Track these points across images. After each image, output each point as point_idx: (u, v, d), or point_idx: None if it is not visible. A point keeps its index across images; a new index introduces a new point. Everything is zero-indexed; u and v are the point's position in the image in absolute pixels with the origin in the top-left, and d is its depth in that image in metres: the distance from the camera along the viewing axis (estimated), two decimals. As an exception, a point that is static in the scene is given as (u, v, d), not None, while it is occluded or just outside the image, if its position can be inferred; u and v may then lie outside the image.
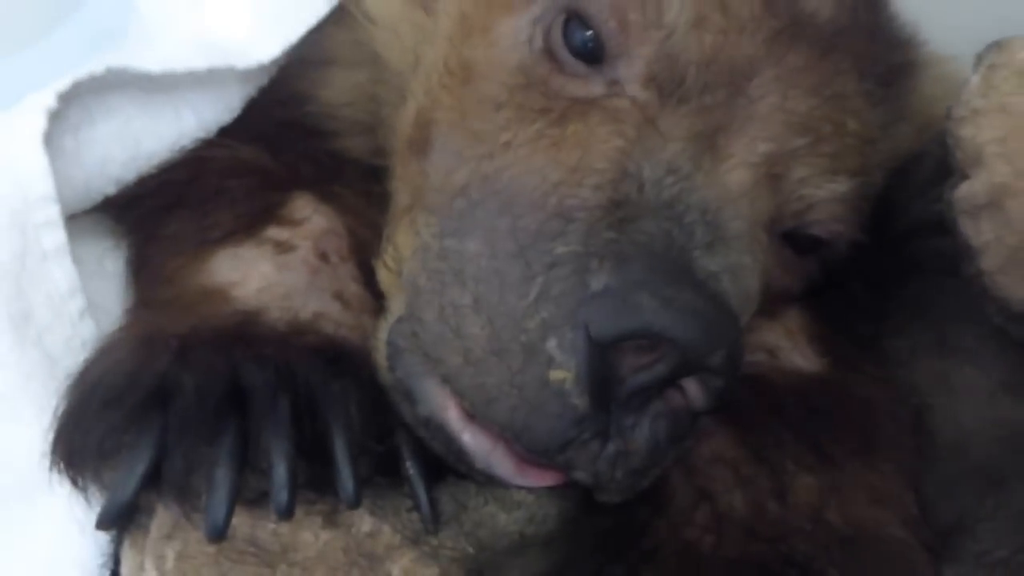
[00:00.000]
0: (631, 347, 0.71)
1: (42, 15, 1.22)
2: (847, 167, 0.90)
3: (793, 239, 0.92)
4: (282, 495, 0.71)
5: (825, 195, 0.89)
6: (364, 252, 0.91)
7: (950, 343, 0.92)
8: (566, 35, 0.86)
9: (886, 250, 0.97)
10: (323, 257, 0.90)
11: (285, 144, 1.02)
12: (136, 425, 0.72)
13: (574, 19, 0.86)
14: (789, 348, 0.93)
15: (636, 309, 0.70)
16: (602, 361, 0.70)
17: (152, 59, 0.95)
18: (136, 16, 1.13)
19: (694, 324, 0.70)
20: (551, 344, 0.71)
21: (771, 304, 0.93)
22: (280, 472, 0.71)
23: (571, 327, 0.71)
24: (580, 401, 0.71)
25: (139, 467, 0.71)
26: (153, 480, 0.71)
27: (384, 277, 0.87)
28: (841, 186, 0.90)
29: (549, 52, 0.86)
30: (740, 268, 0.81)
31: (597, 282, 0.72)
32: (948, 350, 0.92)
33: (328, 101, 1.04)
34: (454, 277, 0.77)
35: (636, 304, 0.70)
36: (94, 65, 0.90)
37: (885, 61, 0.94)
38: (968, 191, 0.82)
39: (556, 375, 0.71)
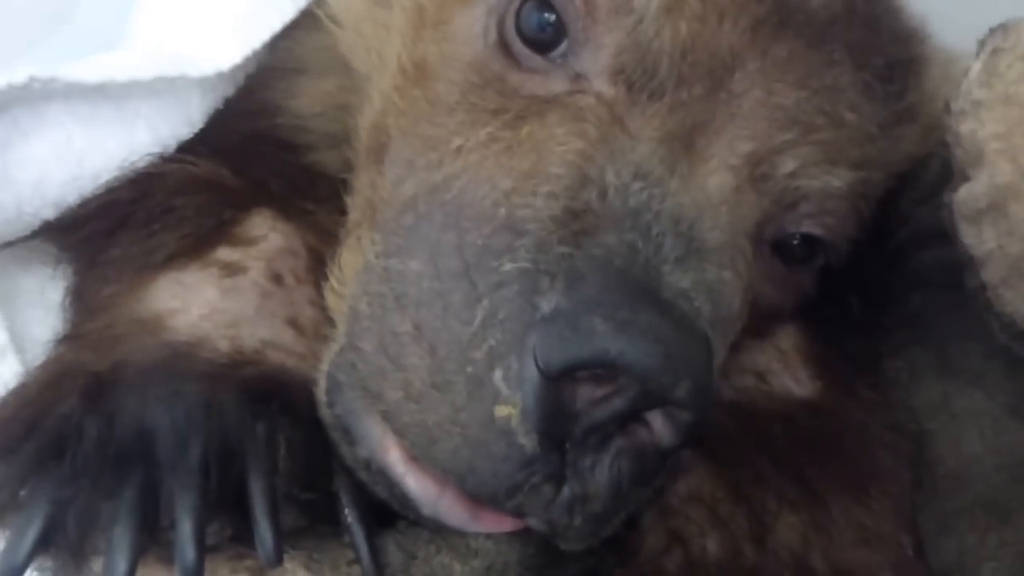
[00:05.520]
0: (586, 377, 0.64)
1: (32, 26, 1.17)
2: (844, 158, 0.83)
3: (784, 247, 0.85)
4: (187, 553, 0.64)
5: (820, 186, 0.82)
6: (326, 271, 0.85)
7: (953, 364, 0.87)
8: (520, 21, 0.80)
9: (886, 262, 0.91)
10: (276, 279, 0.84)
11: (253, 158, 0.95)
12: (32, 478, 0.66)
13: (533, 1, 0.80)
14: (780, 370, 0.87)
15: (587, 335, 0.63)
16: (553, 394, 0.64)
17: (93, 67, 0.89)
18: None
19: (653, 351, 0.63)
20: (497, 376, 0.65)
21: (760, 322, 0.86)
22: (184, 528, 0.65)
23: (517, 355, 0.65)
24: (527, 440, 0.64)
25: (32, 527, 0.65)
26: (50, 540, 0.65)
27: (332, 302, 0.81)
28: (837, 179, 0.83)
29: (504, 45, 0.80)
30: (719, 284, 0.74)
31: (547, 303, 0.66)
32: (950, 371, 0.87)
33: (298, 112, 0.98)
34: (395, 301, 0.71)
35: (588, 329, 0.63)
36: (15, 73, 0.83)
37: (886, 54, 0.87)
38: (968, 194, 0.76)
39: (502, 411, 0.65)
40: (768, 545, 0.75)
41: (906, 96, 0.90)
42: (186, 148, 0.94)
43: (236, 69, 0.95)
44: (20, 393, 0.73)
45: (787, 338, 0.89)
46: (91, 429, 0.67)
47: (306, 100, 0.98)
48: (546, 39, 0.79)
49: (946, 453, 0.84)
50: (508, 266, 0.68)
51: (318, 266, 0.86)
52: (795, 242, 0.85)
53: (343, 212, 0.89)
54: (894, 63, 0.88)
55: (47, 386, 0.72)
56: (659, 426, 0.67)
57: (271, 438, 0.70)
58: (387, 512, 0.73)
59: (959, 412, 0.85)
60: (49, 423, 0.68)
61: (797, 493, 0.78)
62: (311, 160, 0.97)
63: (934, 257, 0.86)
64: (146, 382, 0.71)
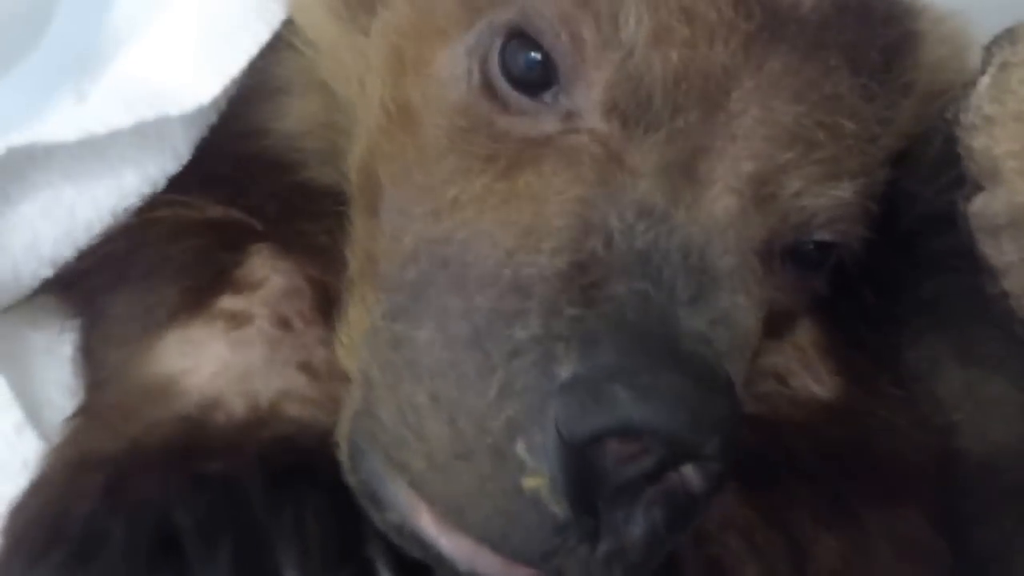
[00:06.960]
0: (612, 438, 0.63)
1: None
2: (848, 170, 0.80)
3: (797, 255, 0.83)
4: None
5: (827, 203, 0.80)
6: (333, 303, 0.83)
7: (974, 351, 0.84)
8: (504, 62, 0.77)
9: (895, 248, 0.88)
10: (284, 324, 0.81)
11: (246, 182, 0.93)
12: None
13: (517, 39, 0.77)
14: (800, 370, 0.86)
15: (610, 403, 0.62)
16: (579, 462, 0.62)
17: (71, 124, 0.87)
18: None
19: (678, 415, 0.62)
20: (520, 447, 0.64)
21: (775, 325, 0.84)
22: None
23: (540, 427, 0.63)
24: (559, 509, 0.63)
25: None
26: None
27: (342, 356, 0.79)
28: (844, 191, 0.80)
29: (489, 87, 0.77)
30: (734, 311, 0.72)
31: (565, 371, 0.64)
32: (972, 359, 0.84)
33: (286, 133, 0.95)
34: (408, 370, 0.69)
35: (609, 397, 0.62)
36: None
37: (879, 43, 0.83)
38: (985, 207, 0.74)
39: (529, 482, 0.63)
40: (808, 572, 0.74)
41: (903, 75, 0.87)
42: (176, 181, 0.92)
43: (217, 99, 0.92)
44: (39, 490, 0.71)
45: (804, 333, 0.88)
46: (116, 531, 0.65)
47: (293, 120, 0.95)
48: (535, 79, 0.76)
49: (973, 444, 0.83)
50: (520, 334, 0.66)
51: (324, 300, 0.84)
52: (810, 248, 0.83)
53: (342, 230, 0.87)
54: (887, 47, 0.84)
55: (67, 479, 0.71)
56: (690, 474, 0.65)
57: (300, 522, 0.68)
58: (424, 566, 0.71)
59: (983, 401, 0.83)
60: (73, 526, 0.66)
61: (832, 512, 0.77)
62: (305, 177, 0.94)
63: (943, 243, 0.83)
64: (165, 468, 0.69)
